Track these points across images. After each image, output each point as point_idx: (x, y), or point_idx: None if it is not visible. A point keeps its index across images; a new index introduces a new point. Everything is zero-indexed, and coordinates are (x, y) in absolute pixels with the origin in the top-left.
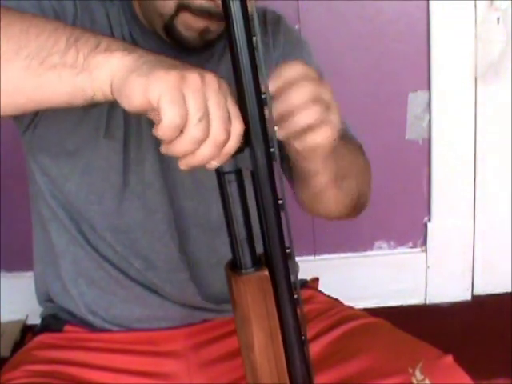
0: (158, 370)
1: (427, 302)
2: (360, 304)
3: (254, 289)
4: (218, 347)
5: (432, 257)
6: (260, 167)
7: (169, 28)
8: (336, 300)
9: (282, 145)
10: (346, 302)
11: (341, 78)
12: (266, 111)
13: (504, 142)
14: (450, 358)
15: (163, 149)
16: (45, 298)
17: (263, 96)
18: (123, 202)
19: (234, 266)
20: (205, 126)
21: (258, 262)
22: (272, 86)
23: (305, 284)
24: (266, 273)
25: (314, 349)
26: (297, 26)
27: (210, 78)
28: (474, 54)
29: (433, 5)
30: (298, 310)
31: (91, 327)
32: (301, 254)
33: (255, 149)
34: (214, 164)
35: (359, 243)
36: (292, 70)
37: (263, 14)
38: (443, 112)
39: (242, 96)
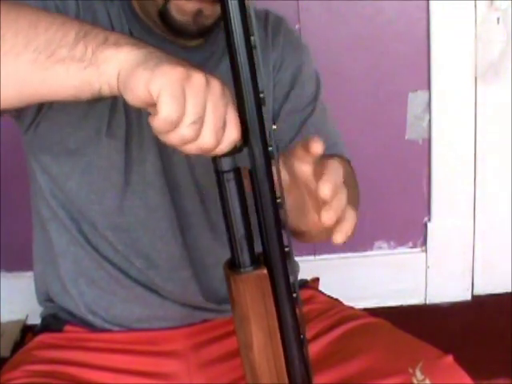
0: (157, 370)
1: (427, 302)
2: (360, 304)
3: (253, 288)
4: (218, 347)
5: (432, 257)
6: (258, 166)
7: (163, 14)
8: (336, 300)
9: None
10: (346, 302)
11: (341, 78)
12: (264, 110)
13: (504, 142)
14: (450, 358)
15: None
16: (45, 298)
17: (261, 95)
18: (124, 201)
19: (233, 265)
20: (196, 129)
21: (256, 261)
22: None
23: (305, 284)
24: (265, 272)
25: (314, 349)
26: (297, 26)
27: (215, 83)
28: (473, 54)
29: (433, 5)
30: (297, 310)
31: (91, 327)
32: (301, 254)
33: (253, 148)
34: None
35: (359, 243)
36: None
37: (265, 16)
38: (443, 112)
39: (240, 95)
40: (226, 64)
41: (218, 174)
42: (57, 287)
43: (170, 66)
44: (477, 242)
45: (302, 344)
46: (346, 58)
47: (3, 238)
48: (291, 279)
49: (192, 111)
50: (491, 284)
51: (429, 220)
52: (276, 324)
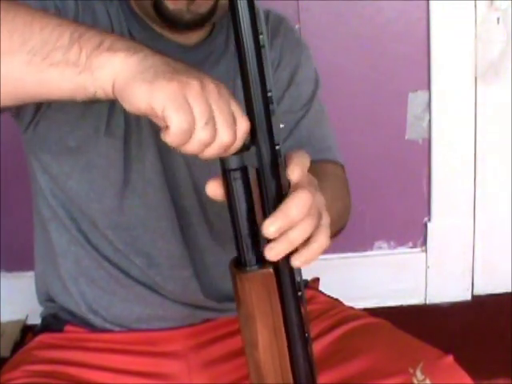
0: (157, 371)
1: (427, 302)
2: (360, 304)
3: (259, 286)
4: (218, 347)
5: (432, 257)
6: (265, 165)
7: (157, 4)
8: (336, 300)
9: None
10: (346, 302)
11: (341, 77)
12: (272, 109)
13: (504, 142)
14: (450, 358)
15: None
16: (45, 298)
17: (269, 94)
18: (124, 200)
19: (239, 264)
20: (211, 129)
21: (262, 260)
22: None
23: (305, 284)
24: (271, 270)
25: (315, 349)
26: (297, 26)
27: (209, 83)
28: (473, 54)
29: (433, 5)
30: (302, 308)
31: (92, 327)
32: None
33: (261, 146)
34: None
35: (359, 243)
36: (293, 175)
37: (266, 15)
38: (443, 112)
39: (248, 94)
40: (224, 64)
41: (225, 172)
42: (57, 287)
43: (166, 80)
44: (477, 242)
45: (306, 342)
46: (346, 58)
47: (3, 238)
48: (297, 278)
49: (201, 113)
50: (491, 284)
51: (429, 220)
52: (281, 322)
